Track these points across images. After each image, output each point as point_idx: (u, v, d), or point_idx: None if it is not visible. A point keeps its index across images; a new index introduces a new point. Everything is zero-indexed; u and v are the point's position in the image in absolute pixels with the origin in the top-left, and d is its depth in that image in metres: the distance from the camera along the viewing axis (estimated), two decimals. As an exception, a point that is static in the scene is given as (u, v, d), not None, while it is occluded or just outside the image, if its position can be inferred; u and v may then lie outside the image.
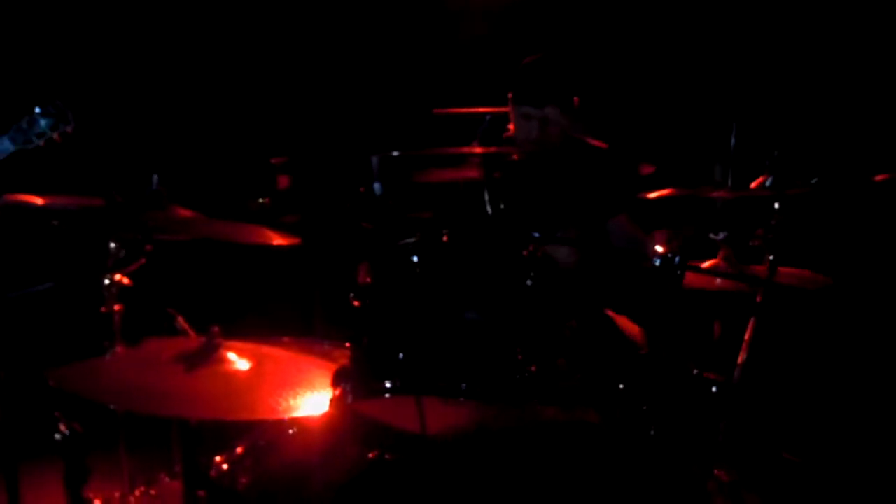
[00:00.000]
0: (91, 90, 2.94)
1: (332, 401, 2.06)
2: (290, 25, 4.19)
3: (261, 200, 3.37)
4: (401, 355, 2.02)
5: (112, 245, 2.49)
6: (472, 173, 2.55)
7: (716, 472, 2.27)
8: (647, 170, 2.81)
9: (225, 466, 2.32)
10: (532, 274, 2.04)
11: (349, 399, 2.03)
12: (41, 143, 2.74)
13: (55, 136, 2.74)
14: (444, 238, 2.08)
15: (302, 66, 4.21)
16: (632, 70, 3.71)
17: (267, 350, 2.32)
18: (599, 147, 3.02)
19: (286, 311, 3.11)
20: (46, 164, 2.80)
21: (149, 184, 2.44)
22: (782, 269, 2.36)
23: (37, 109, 2.73)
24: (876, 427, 3.09)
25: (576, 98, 2.88)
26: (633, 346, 2.48)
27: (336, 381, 2.06)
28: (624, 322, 2.68)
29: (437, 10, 4.09)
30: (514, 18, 3.99)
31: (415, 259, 2.06)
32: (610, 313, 2.66)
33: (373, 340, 2.10)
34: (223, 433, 2.39)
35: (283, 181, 3.45)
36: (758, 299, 2.30)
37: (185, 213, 2.55)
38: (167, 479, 2.64)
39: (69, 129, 2.75)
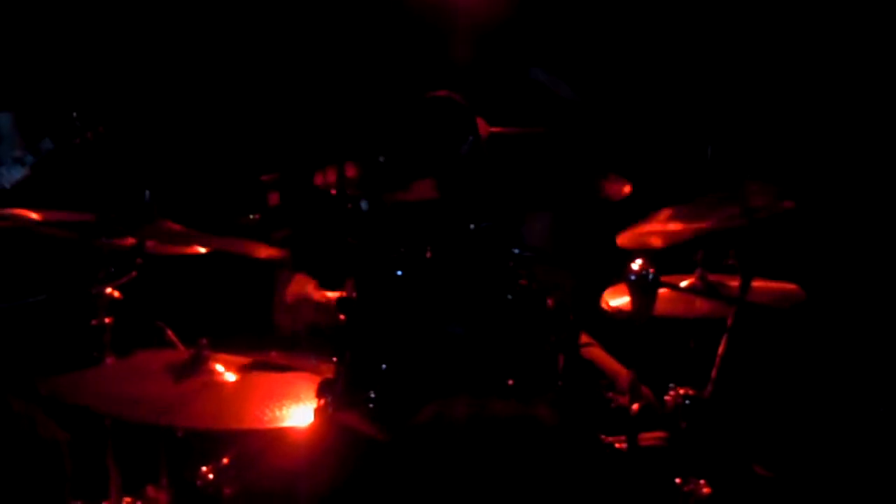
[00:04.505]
0: (84, 105, 3.00)
1: (316, 411, 2.12)
2: (278, 44, 4.24)
3: (251, 216, 3.41)
4: (384, 366, 2.08)
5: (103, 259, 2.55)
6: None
7: (692, 484, 2.32)
8: (624, 190, 2.85)
9: (211, 476, 2.37)
10: (513, 288, 2.10)
11: (332, 409, 2.08)
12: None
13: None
14: (428, 254, 2.14)
15: (292, 84, 4.26)
16: (610, 92, 3.78)
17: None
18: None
19: (272, 325, 3.15)
20: (41, 179, 2.86)
21: (140, 198, 2.50)
22: (756, 284, 2.42)
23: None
24: (849, 439, 3.15)
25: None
26: (610, 383, 2.50)
27: (320, 392, 2.12)
28: (611, 362, 2.72)
29: (425, 28, 4.13)
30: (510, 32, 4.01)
31: (399, 273, 2.12)
32: (598, 351, 2.70)
33: (357, 353, 2.16)
34: (209, 444, 2.42)
35: (274, 198, 3.49)
36: (728, 322, 2.37)
37: (175, 227, 2.61)
38: (154, 491, 2.67)
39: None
